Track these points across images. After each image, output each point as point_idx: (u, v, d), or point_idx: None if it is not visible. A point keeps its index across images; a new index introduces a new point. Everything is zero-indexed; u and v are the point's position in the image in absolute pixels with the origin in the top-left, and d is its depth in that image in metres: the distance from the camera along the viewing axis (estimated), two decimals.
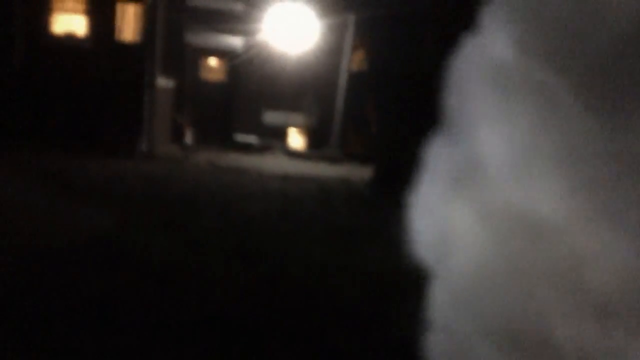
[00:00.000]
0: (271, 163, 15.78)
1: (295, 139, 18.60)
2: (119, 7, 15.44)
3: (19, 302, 5.26)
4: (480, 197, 0.45)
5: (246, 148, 17.33)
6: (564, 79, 0.48)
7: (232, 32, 17.82)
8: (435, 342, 0.50)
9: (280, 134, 18.35)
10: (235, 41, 18.04)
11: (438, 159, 0.52)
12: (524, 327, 0.42)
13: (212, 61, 18.68)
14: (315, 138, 18.20)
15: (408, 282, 6.46)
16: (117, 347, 4.61)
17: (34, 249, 6.70)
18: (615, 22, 0.48)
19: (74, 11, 15.41)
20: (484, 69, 0.52)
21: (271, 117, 18.39)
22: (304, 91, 18.02)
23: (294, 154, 17.73)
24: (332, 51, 17.62)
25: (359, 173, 14.36)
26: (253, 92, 18.08)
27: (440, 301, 0.49)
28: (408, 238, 0.60)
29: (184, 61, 17.77)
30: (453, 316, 0.46)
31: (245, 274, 6.53)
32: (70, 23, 15.39)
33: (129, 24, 15.70)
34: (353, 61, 18.23)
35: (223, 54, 18.08)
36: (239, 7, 18.16)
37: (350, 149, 17.73)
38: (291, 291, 6.15)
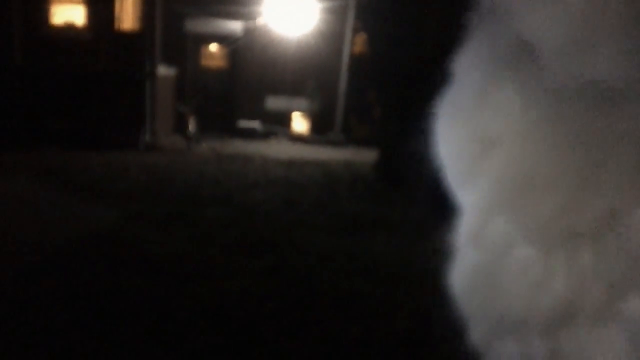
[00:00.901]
0: (275, 149, 15.75)
1: (299, 124, 18.53)
2: None
3: (25, 299, 5.28)
4: (530, 81, 0.40)
5: (250, 134, 17.27)
6: None
7: (232, 16, 17.68)
8: (460, 256, 0.45)
9: (283, 120, 18.27)
10: (235, 26, 17.91)
11: (482, 43, 0.47)
12: (584, 217, 0.36)
13: (213, 48, 18.57)
14: (319, 123, 18.12)
15: (416, 271, 6.48)
16: (121, 339, 4.63)
17: (37, 245, 6.71)
18: None
19: (73, 1, 15.31)
20: None
21: (274, 103, 18.30)
22: (306, 76, 17.91)
23: (297, 139, 17.68)
24: (333, 35, 17.48)
25: (363, 157, 14.32)
26: (255, 78, 17.98)
27: (470, 211, 0.43)
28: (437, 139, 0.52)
29: (184, 49, 17.67)
30: (490, 226, 0.41)
31: (249, 265, 6.54)
32: (68, 14, 15.30)
33: (128, 13, 15.59)
34: (355, 45, 18.10)
35: (223, 39, 17.96)
36: None
37: (354, 133, 17.65)
38: (295, 282, 6.15)
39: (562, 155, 0.45)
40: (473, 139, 0.51)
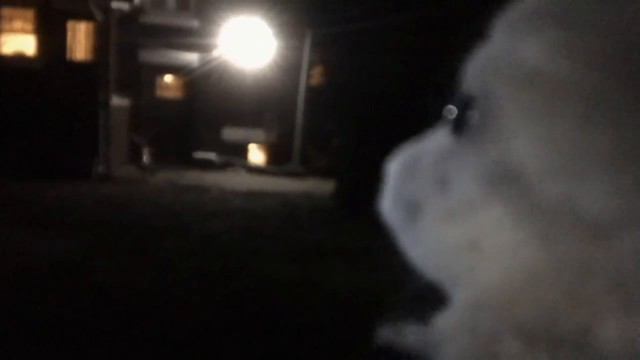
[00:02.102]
0: (233, 180, 15.64)
1: (256, 155, 18.47)
2: (70, 26, 15.13)
3: None
4: (520, 200, 0.42)
5: (206, 165, 17.13)
6: (611, 79, 0.44)
7: (188, 48, 17.65)
8: (459, 343, 0.45)
9: (240, 151, 18.20)
10: (191, 57, 17.87)
11: (462, 167, 0.49)
12: (565, 326, 0.39)
13: (169, 78, 18.46)
14: (276, 154, 18.10)
15: (376, 299, 6.44)
16: None
17: None
18: None
19: (24, 31, 15.05)
20: (514, 73, 0.48)
21: (231, 134, 18.24)
22: (263, 107, 17.93)
23: (255, 170, 17.61)
24: (290, 67, 17.57)
25: (322, 187, 14.33)
26: (211, 109, 17.90)
27: (462, 306, 0.45)
28: (419, 252, 0.55)
29: (139, 79, 17.52)
30: (481, 319, 0.43)
31: (208, 296, 6.43)
32: (19, 43, 15.02)
33: (80, 43, 15.40)
34: (312, 76, 18.22)
35: (179, 70, 17.89)
36: (194, 23, 18.01)
37: (312, 164, 17.67)
38: (256, 313, 6.07)
39: (547, 275, 0.49)
40: (464, 244, 0.54)
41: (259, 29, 17.55)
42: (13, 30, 15.08)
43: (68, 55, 15.19)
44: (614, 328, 0.48)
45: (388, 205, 0.64)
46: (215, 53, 17.62)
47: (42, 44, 14.90)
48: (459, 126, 0.57)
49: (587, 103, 0.50)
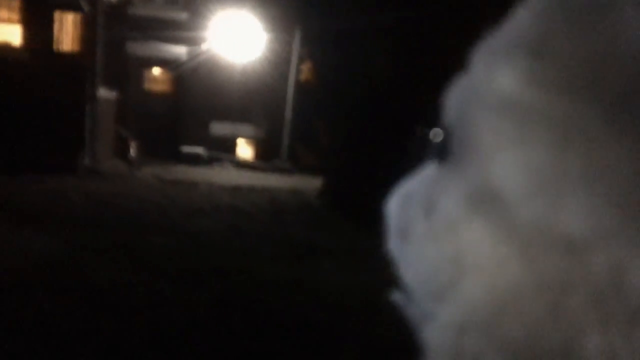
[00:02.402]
0: (220, 175, 15.60)
1: (244, 151, 18.43)
2: (57, 17, 14.98)
3: None
4: (499, 220, 0.45)
5: (194, 160, 17.07)
6: (581, 105, 0.48)
7: (177, 41, 17.54)
8: None
9: (228, 146, 18.15)
10: (179, 50, 17.77)
11: (444, 191, 0.52)
12: (547, 342, 0.41)
13: (157, 72, 18.35)
14: (265, 149, 18.08)
15: (360, 297, 6.47)
16: None
17: None
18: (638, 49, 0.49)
19: (9, 21, 14.88)
20: (491, 101, 0.52)
21: (219, 129, 18.18)
22: (252, 102, 17.88)
23: (243, 166, 17.57)
24: (280, 62, 17.52)
25: (309, 184, 14.33)
26: (200, 103, 17.82)
27: (447, 326, 0.47)
28: (403, 271, 0.58)
29: (126, 72, 17.39)
30: (464, 338, 0.44)
31: (195, 295, 6.43)
32: (5, 33, 14.85)
33: (68, 34, 15.26)
34: (301, 72, 18.19)
35: (167, 64, 17.78)
36: (183, 16, 17.90)
37: (300, 160, 17.67)
38: (244, 311, 6.08)
39: (528, 292, 0.50)
40: (447, 261, 0.56)
41: (248, 22, 17.49)
42: None
43: (55, 47, 15.05)
44: (594, 343, 0.49)
45: (388, 235, 0.67)
46: (204, 46, 17.54)
47: (28, 35, 14.74)
48: (443, 153, 0.60)
49: (559, 129, 0.52)
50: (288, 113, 17.64)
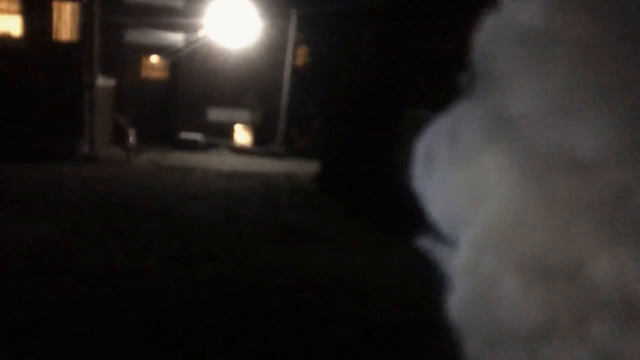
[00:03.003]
0: (216, 161, 15.69)
1: (241, 136, 18.52)
2: (55, 6, 15.07)
3: None
4: (516, 145, 0.48)
5: (191, 146, 17.17)
6: (600, 24, 0.50)
7: (173, 28, 17.60)
8: (459, 282, 0.52)
9: (225, 131, 18.23)
10: (176, 37, 17.83)
11: (467, 121, 0.55)
12: (558, 261, 0.45)
13: (153, 59, 18.42)
14: (261, 134, 18.16)
15: (350, 279, 6.58)
16: (55, 356, 4.57)
17: None
18: None
19: (8, 11, 14.97)
20: (514, 33, 0.55)
21: (215, 114, 18.25)
22: (248, 88, 17.94)
23: (239, 151, 17.66)
24: (275, 47, 17.58)
25: (304, 169, 14.42)
26: (196, 90, 17.91)
27: (467, 247, 0.51)
28: (428, 197, 0.61)
29: (123, 59, 17.47)
30: (482, 257, 0.49)
31: (189, 278, 6.51)
32: (4, 24, 14.95)
33: (65, 23, 15.34)
34: (297, 57, 18.24)
35: (164, 51, 17.84)
36: (179, 3, 17.94)
37: (295, 144, 17.75)
38: (237, 293, 6.15)
39: (543, 210, 0.51)
40: (470, 187, 0.58)
41: (244, 8, 17.50)
42: None
43: (53, 36, 15.14)
44: (604, 261, 0.50)
45: (414, 161, 0.73)
46: (200, 33, 17.57)
47: (27, 25, 14.83)
48: (470, 88, 0.62)
49: (578, 49, 0.52)
50: (284, 98, 17.71)
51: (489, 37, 0.60)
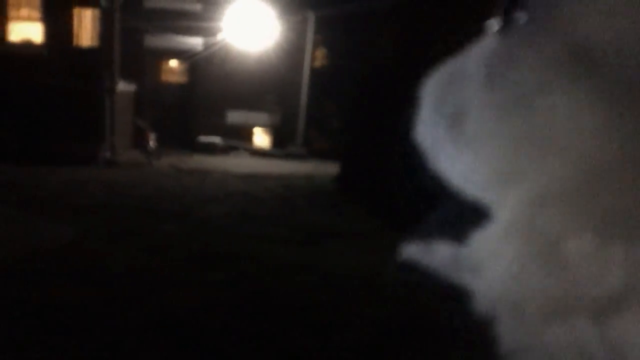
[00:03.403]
0: (235, 163, 15.74)
1: (260, 138, 18.57)
2: (76, 13, 15.27)
3: None
4: (587, 80, 0.41)
5: (210, 149, 17.25)
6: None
7: (192, 32, 17.71)
8: (502, 248, 0.45)
9: (244, 134, 18.30)
10: (195, 41, 17.93)
11: (516, 58, 0.48)
12: None
13: (173, 63, 18.55)
14: (280, 136, 18.19)
15: (369, 279, 6.55)
16: (77, 355, 4.60)
17: None
18: None
19: (30, 19, 15.20)
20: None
21: (234, 117, 18.32)
22: (266, 90, 17.98)
23: (258, 153, 17.71)
24: (293, 49, 17.61)
25: (323, 170, 14.41)
26: (215, 93, 17.99)
27: (517, 205, 0.44)
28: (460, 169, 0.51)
29: (143, 64, 17.62)
30: (542, 216, 0.41)
31: (208, 278, 6.53)
32: (26, 31, 15.17)
33: (86, 29, 15.53)
34: (315, 59, 18.26)
35: (183, 55, 17.96)
36: (197, 7, 18.06)
37: (314, 146, 17.75)
38: (254, 294, 6.15)
39: (620, 162, 0.45)
40: (522, 137, 0.50)
41: (262, 11, 17.55)
42: (20, 18, 15.23)
43: (74, 42, 15.33)
44: None
45: (424, 125, 0.62)
46: (218, 36, 17.66)
47: (48, 31, 15.05)
48: (508, 26, 0.54)
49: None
50: (303, 100, 17.73)
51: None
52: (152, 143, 15.37)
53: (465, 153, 0.55)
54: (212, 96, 18.02)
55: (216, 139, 17.69)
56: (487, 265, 0.53)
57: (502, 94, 0.50)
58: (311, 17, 17.23)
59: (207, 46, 17.78)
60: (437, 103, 0.57)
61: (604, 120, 0.44)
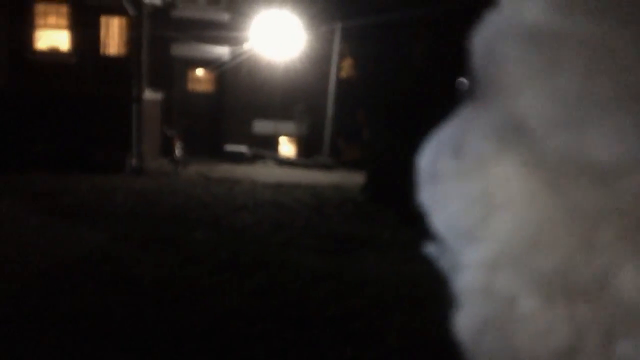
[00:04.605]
0: (263, 172, 15.71)
1: (287, 148, 18.53)
2: (103, 21, 15.36)
3: (11, 321, 5.18)
4: (528, 152, 0.45)
5: (237, 158, 17.23)
6: (609, 27, 0.47)
7: (219, 41, 17.75)
8: (468, 307, 0.47)
9: (271, 143, 18.27)
10: (222, 51, 17.98)
11: (472, 128, 0.52)
12: (581, 275, 0.41)
13: (200, 72, 18.61)
14: (307, 146, 18.13)
15: (401, 289, 6.44)
16: None
17: (23, 268, 6.61)
18: None
19: (58, 27, 15.32)
20: (518, 33, 0.51)
21: (261, 127, 18.31)
22: (293, 99, 17.96)
23: (285, 163, 17.66)
24: (320, 59, 17.57)
25: (352, 179, 14.32)
26: (242, 102, 18.00)
27: (480, 265, 0.46)
28: (435, 209, 0.58)
29: (171, 73, 17.68)
30: (496, 276, 0.44)
31: (239, 286, 6.48)
32: (54, 39, 15.29)
33: (113, 38, 15.62)
34: (342, 68, 18.20)
35: (210, 64, 18.02)
36: (225, 17, 18.11)
37: (342, 156, 17.67)
38: (286, 302, 6.09)
39: (561, 222, 0.49)
40: (478, 199, 0.55)
41: (289, 21, 17.58)
42: (47, 26, 15.36)
43: (101, 50, 15.43)
44: (629, 275, 0.48)
45: (417, 179, 0.66)
46: (245, 46, 17.69)
47: (75, 39, 15.15)
48: (471, 94, 0.59)
49: (587, 53, 0.51)
50: (330, 109, 17.67)
51: (491, 36, 0.57)
52: (179, 151, 15.39)
53: (438, 209, 0.60)
54: (239, 105, 18.02)
55: (243, 148, 17.67)
56: (457, 321, 0.57)
57: (463, 159, 0.55)
58: (338, 27, 17.19)
59: (234, 56, 17.80)
60: (424, 161, 0.63)
61: (540, 186, 0.49)
